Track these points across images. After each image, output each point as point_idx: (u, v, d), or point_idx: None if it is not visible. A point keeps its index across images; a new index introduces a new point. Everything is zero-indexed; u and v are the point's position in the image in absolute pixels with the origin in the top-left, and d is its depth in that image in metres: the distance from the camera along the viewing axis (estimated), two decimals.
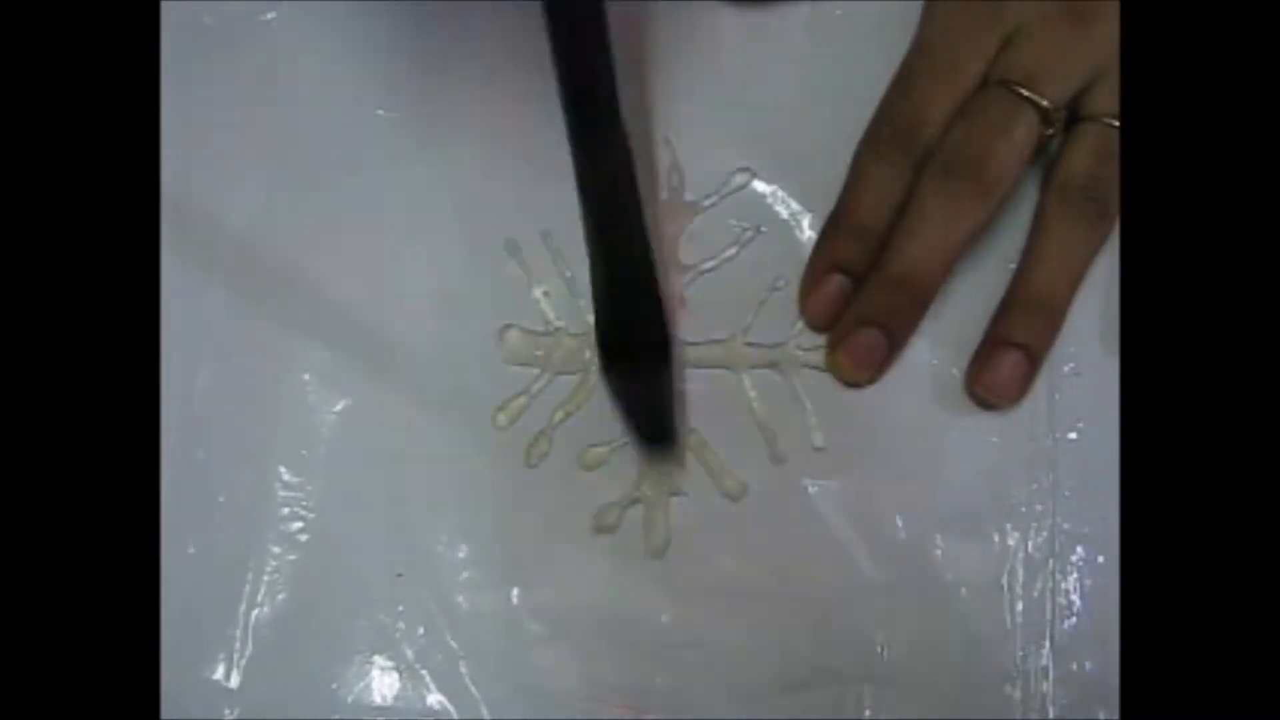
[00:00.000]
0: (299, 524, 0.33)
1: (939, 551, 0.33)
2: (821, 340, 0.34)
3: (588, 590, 0.33)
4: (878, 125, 0.34)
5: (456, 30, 0.37)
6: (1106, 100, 0.33)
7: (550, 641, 0.32)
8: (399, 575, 0.33)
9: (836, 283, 0.33)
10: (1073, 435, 0.34)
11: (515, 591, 0.33)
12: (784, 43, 0.37)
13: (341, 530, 0.33)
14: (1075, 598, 0.32)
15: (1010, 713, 0.32)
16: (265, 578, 0.33)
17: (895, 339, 0.33)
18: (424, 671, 0.32)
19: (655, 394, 0.32)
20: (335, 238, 0.35)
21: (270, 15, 0.37)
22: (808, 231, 0.35)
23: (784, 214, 0.35)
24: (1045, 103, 0.33)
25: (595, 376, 0.34)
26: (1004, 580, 0.33)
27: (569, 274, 0.35)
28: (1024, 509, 0.33)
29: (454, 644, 0.32)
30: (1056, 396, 0.34)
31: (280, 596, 0.33)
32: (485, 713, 0.32)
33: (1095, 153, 0.33)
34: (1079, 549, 0.33)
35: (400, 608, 0.32)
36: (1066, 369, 0.34)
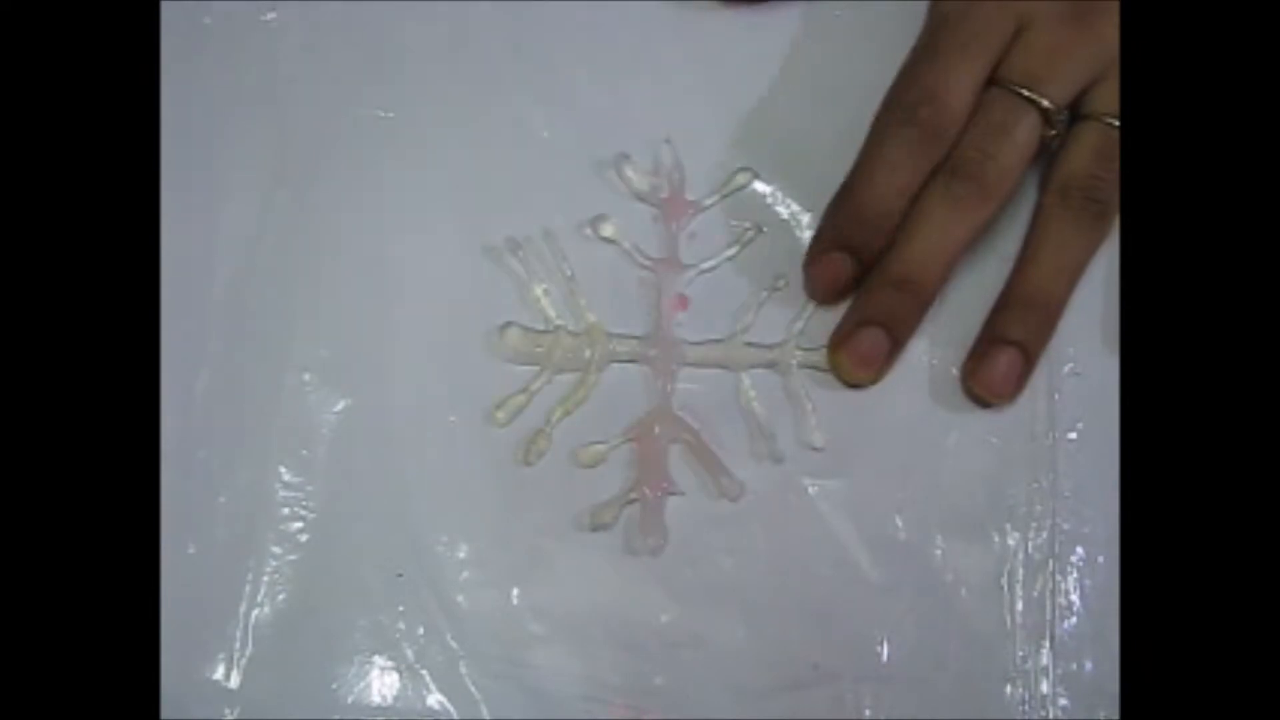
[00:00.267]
0: (299, 524, 0.33)
1: (939, 551, 0.33)
2: (821, 340, 0.34)
3: (588, 590, 0.33)
4: (899, 92, 0.33)
5: (456, 30, 0.37)
6: (1108, 100, 0.33)
7: (550, 641, 0.32)
8: (399, 575, 0.33)
9: (840, 262, 0.33)
10: (1073, 435, 0.34)
11: (515, 591, 0.33)
12: (784, 43, 0.37)
13: (341, 530, 0.33)
14: (1075, 598, 0.32)
15: (1010, 713, 0.32)
16: (265, 578, 0.33)
17: (897, 339, 0.33)
18: (424, 671, 0.32)
19: None
20: (335, 237, 0.35)
21: (270, 15, 0.37)
22: (808, 232, 0.35)
23: (784, 214, 0.35)
24: (1047, 104, 0.33)
25: (594, 374, 0.34)
26: (1004, 580, 0.33)
27: (569, 273, 0.35)
28: (1024, 509, 0.33)
29: (454, 644, 0.32)
30: (1056, 396, 0.34)
31: (280, 596, 0.32)
32: (485, 713, 0.32)
33: (1096, 152, 0.33)
34: (1079, 549, 0.33)
35: (400, 608, 0.32)
36: (1066, 369, 0.34)
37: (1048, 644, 0.32)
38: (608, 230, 0.35)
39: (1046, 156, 0.34)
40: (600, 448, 0.34)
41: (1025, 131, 0.33)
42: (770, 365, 0.34)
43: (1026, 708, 0.32)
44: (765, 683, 0.32)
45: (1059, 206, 0.33)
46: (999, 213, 0.33)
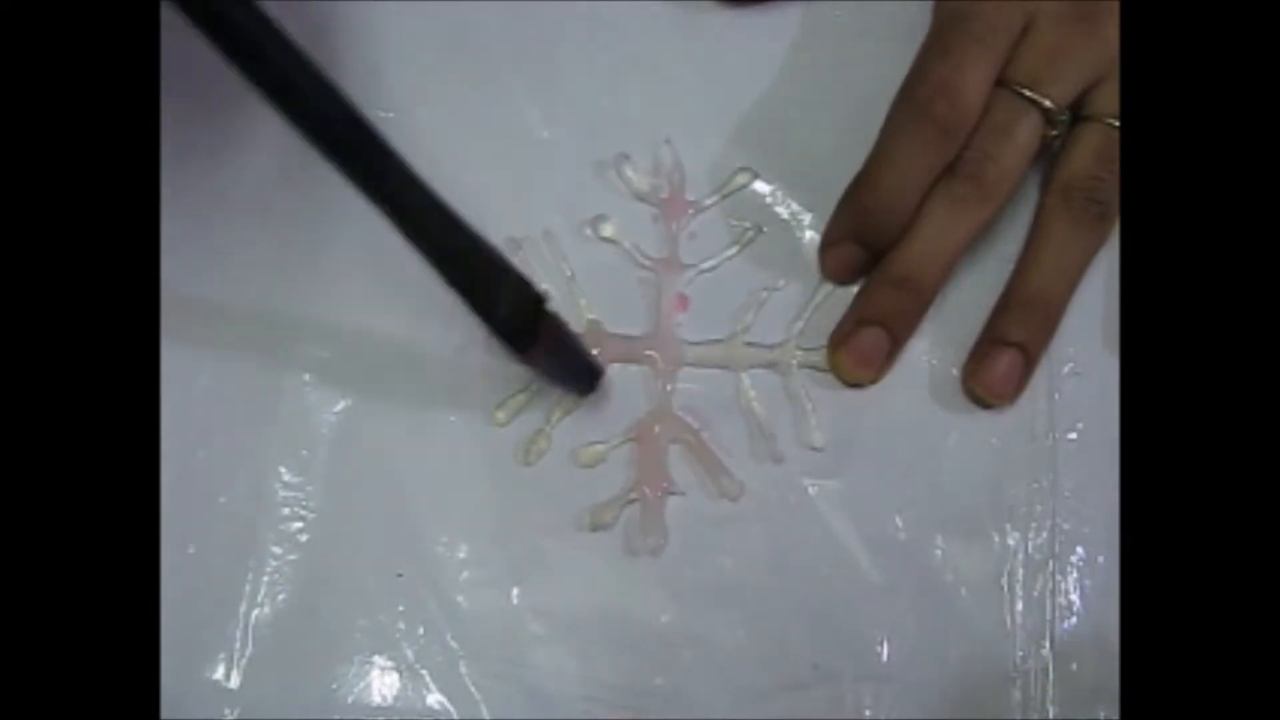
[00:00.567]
0: (299, 524, 0.33)
1: (939, 551, 0.33)
2: (821, 340, 0.34)
3: (588, 590, 0.33)
4: (913, 85, 0.33)
5: (456, 30, 0.37)
6: (1110, 101, 0.33)
7: (550, 641, 0.32)
8: (399, 575, 0.33)
9: (852, 251, 0.34)
10: (1073, 435, 0.34)
11: (515, 591, 0.33)
12: (784, 43, 0.37)
13: (341, 530, 0.33)
14: (1075, 598, 0.32)
15: (1010, 713, 0.32)
16: (265, 578, 0.33)
17: (897, 338, 0.33)
18: (424, 671, 0.32)
19: (568, 346, 0.32)
20: (335, 237, 0.35)
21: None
22: (808, 232, 0.35)
23: (784, 214, 0.35)
24: (1049, 104, 0.33)
25: None
26: (1004, 580, 0.33)
27: (569, 273, 0.35)
28: (1024, 509, 0.33)
29: (454, 644, 0.32)
30: (1056, 396, 0.34)
31: (280, 596, 0.32)
32: (485, 713, 0.32)
33: (1098, 153, 0.33)
34: (1079, 549, 0.33)
35: (400, 608, 0.32)
36: (1066, 369, 0.34)
37: (1048, 644, 0.32)
38: (608, 230, 0.35)
39: (1048, 157, 0.34)
40: (600, 448, 0.34)
41: (1026, 132, 0.33)
42: (770, 365, 0.34)
43: (1026, 708, 0.32)
44: (765, 683, 0.32)
45: (1060, 207, 0.33)
46: (999, 213, 0.33)
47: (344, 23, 0.37)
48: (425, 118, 0.36)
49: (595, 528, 0.33)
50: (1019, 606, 0.32)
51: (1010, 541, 0.33)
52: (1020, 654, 0.32)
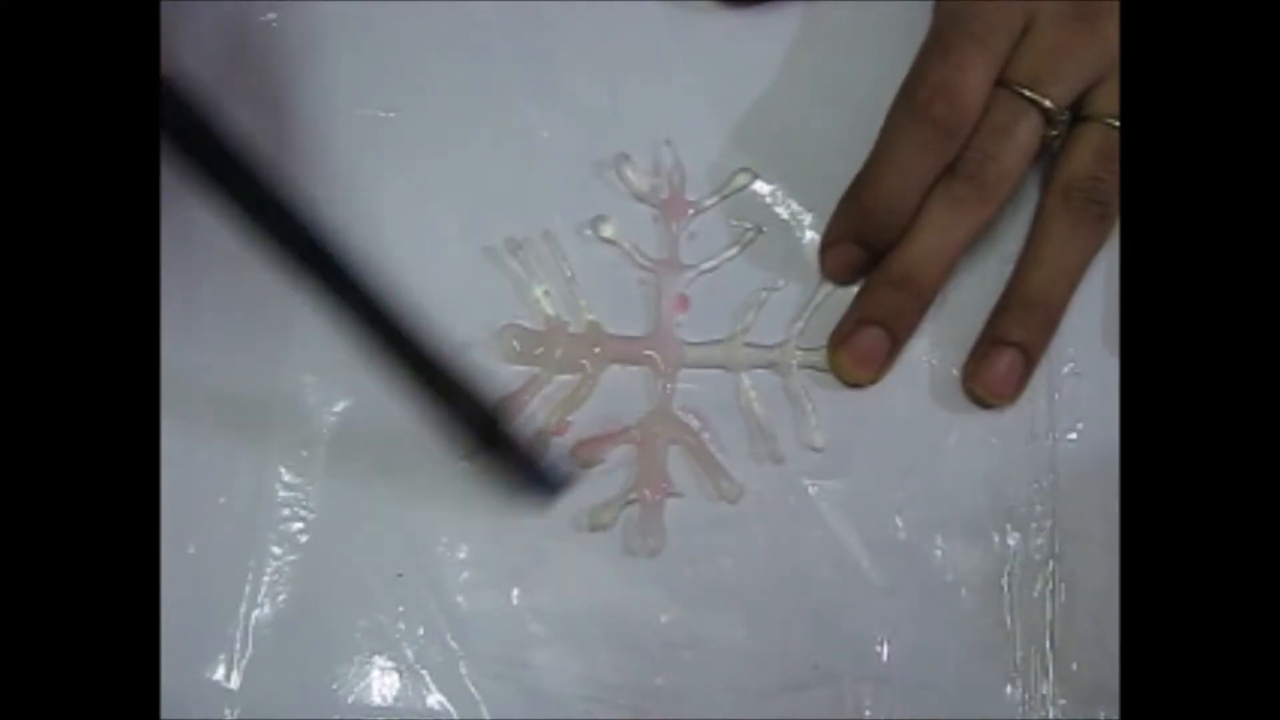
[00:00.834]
0: (299, 524, 0.33)
1: (939, 552, 0.33)
2: (821, 340, 0.34)
3: (588, 590, 0.33)
4: (913, 86, 0.33)
5: (456, 30, 0.37)
6: (1110, 101, 0.33)
7: (550, 641, 0.32)
8: (399, 575, 0.33)
9: (852, 251, 0.34)
10: (1073, 435, 0.34)
11: (515, 591, 0.33)
12: (784, 43, 0.37)
13: (341, 530, 0.33)
14: (1075, 598, 0.32)
15: (1010, 713, 0.32)
16: (265, 578, 0.33)
17: (897, 338, 0.33)
18: (424, 671, 0.32)
19: (526, 459, 0.32)
20: (335, 237, 0.35)
21: (270, 15, 0.37)
22: (808, 232, 0.35)
23: (784, 214, 0.35)
24: (1049, 104, 0.33)
25: (594, 375, 0.34)
26: (1004, 581, 0.33)
27: (569, 273, 0.35)
28: (1024, 509, 0.33)
29: (454, 644, 0.32)
30: (1056, 396, 0.34)
31: (280, 596, 0.32)
32: (485, 713, 0.32)
33: (1098, 153, 0.33)
34: (1079, 549, 0.33)
35: (400, 608, 0.32)
36: (1066, 369, 0.34)
37: (1048, 644, 0.32)
38: (608, 231, 0.35)
39: (1048, 157, 0.34)
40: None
41: (1026, 132, 0.33)
42: (770, 365, 0.34)
43: (1026, 708, 0.32)
44: (765, 683, 0.32)
45: (1060, 208, 0.33)
46: (999, 213, 0.33)
47: (344, 23, 0.37)
48: (425, 118, 0.36)
49: (594, 528, 0.33)
50: (1019, 606, 0.32)
51: (1010, 541, 0.33)
52: (1020, 654, 0.32)
